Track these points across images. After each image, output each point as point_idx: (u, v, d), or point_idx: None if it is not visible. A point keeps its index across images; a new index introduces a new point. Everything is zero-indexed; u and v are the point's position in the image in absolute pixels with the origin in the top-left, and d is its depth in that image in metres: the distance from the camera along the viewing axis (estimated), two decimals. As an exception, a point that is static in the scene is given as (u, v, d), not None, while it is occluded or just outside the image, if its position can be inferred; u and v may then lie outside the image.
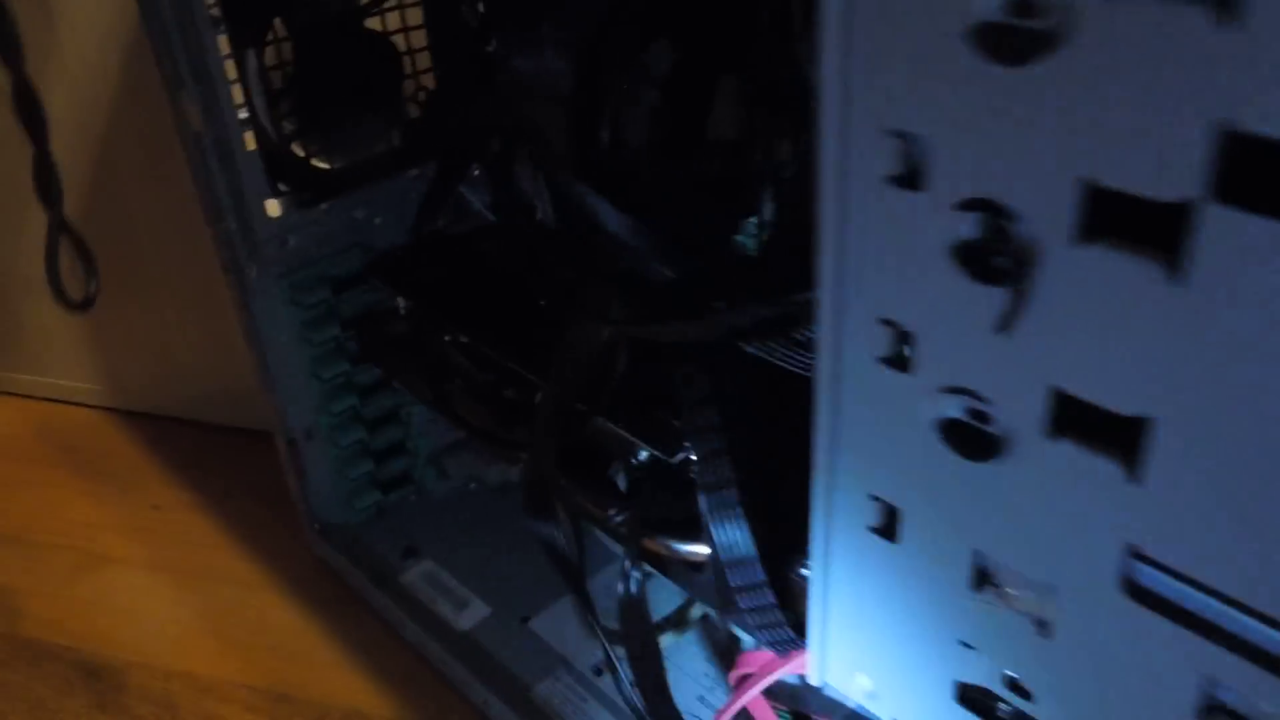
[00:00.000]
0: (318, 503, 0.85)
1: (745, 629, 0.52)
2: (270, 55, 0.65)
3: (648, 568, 0.56)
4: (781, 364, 0.46)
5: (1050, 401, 0.30)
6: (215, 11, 0.60)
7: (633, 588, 0.56)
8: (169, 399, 1.09)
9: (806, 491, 0.40)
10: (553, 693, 0.74)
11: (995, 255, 0.28)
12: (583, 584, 0.63)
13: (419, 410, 0.85)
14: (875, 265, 0.32)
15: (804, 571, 0.46)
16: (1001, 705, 0.38)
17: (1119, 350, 0.27)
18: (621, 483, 0.57)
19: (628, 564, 0.56)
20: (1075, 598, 0.32)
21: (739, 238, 0.47)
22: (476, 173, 0.72)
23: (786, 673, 0.53)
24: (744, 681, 0.57)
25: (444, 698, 0.77)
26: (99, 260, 1.01)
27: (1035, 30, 0.24)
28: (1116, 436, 0.29)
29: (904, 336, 0.33)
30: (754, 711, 0.59)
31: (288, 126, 0.68)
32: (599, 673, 0.75)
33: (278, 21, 0.65)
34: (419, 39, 0.72)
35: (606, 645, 0.63)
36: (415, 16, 0.71)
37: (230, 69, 0.63)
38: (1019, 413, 0.31)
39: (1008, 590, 0.35)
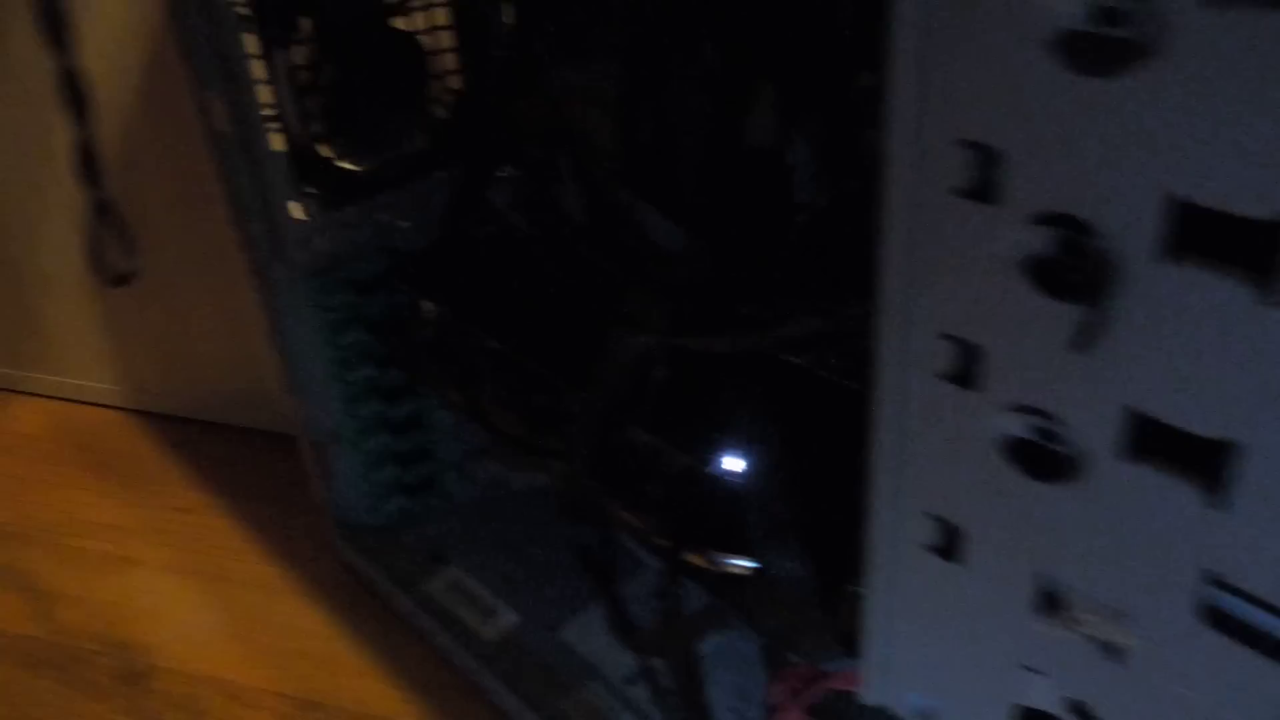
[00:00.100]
0: (343, 507, 0.85)
1: (790, 645, 0.51)
2: (298, 55, 0.64)
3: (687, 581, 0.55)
4: (831, 377, 0.45)
5: (1127, 423, 0.28)
6: (243, 11, 0.59)
7: (673, 601, 0.55)
8: (190, 401, 1.08)
9: (858, 507, 0.39)
10: (584, 703, 0.73)
11: (1071, 271, 0.27)
12: (617, 594, 0.63)
13: (444, 415, 0.84)
14: (940, 279, 0.31)
15: (855, 588, 0.45)
16: (1064, 730, 0.37)
17: (1203, 371, 0.26)
18: (660, 493, 0.56)
19: (666, 577, 0.55)
20: (1150, 623, 0.31)
21: (787, 247, 0.46)
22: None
23: (835, 688, 0.52)
24: (787, 696, 0.56)
25: (474, 707, 0.76)
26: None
27: (1124, 40, 0.23)
28: (1197, 459, 0.28)
29: (968, 352, 0.32)
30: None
31: (315, 127, 0.66)
32: (630, 681, 0.74)
33: (305, 21, 0.64)
34: (446, 39, 0.70)
35: (642, 657, 0.63)
36: (443, 17, 0.69)
37: (258, 69, 0.62)
38: (1092, 433, 0.29)
39: (1076, 614, 0.34)
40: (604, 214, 0.48)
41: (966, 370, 0.32)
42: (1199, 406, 0.26)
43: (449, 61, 0.71)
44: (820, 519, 0.46)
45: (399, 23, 0.69)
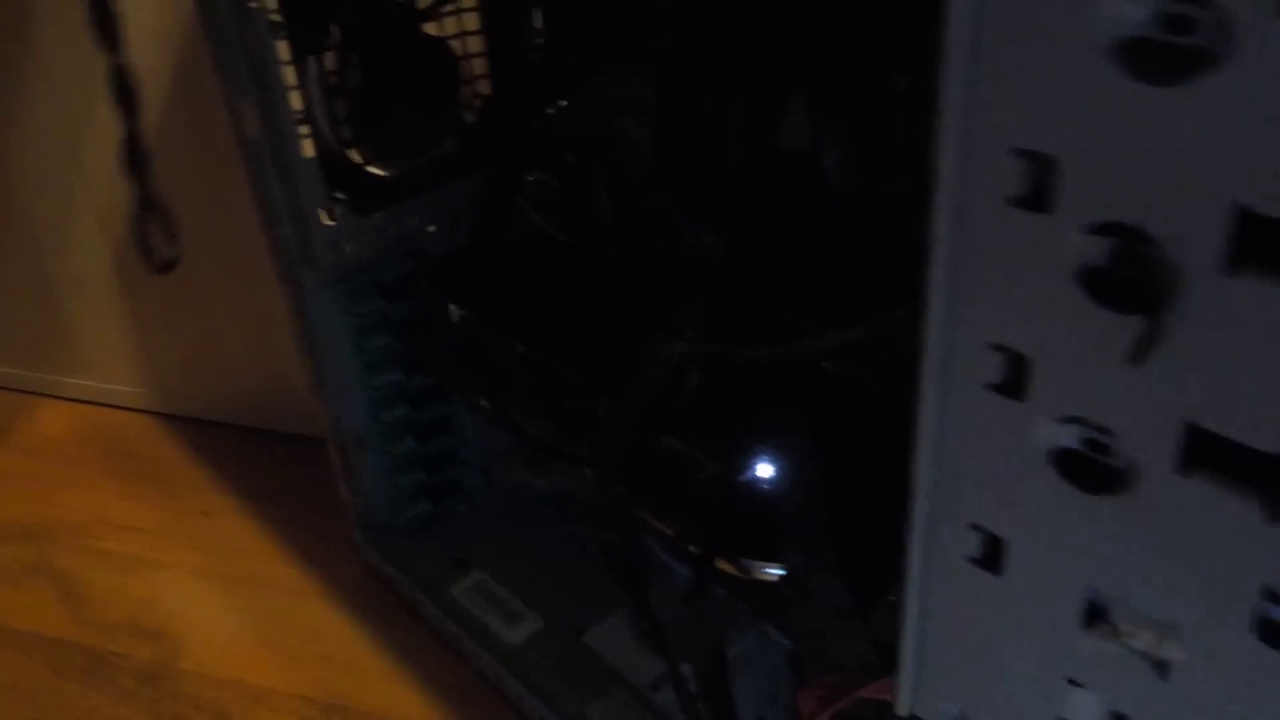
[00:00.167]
0: (368, 510, 0.85)
1: (822, 653, 0.51)
2: (329, 61, 0.64)
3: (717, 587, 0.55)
4: (866, 383, 0.44)
5: (1183, 436, 0.28)
6: (275, 17, 0.59)
7: (701, 606, 0.55)
8: (216, 404, 1.08)
9: (894, 515, 0.39)
10: (609, 708, 0.72)
11: (1128, 282, 0.27)
12: (646, 600, 0.62)
13: (470, 419, 0.84)
14: (990, 289, 0.30)
15: (891, 597, 0.45)
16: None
17: (1265, 385, 0.26)
18: (690, 499, 0.56)
19: (696, 583, 0.55)
20: (1202, 638, 0.31)
21: (826, 254, 0.46)
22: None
23: (865, 697, 0.52)
24: (816, 704, 0.56)
25: (498, 711, 0.76)
26: (145, 267, 1.01)
27: (1190, 47, 0.23)
28: (1256, 473, 0.27)
29: (1017, 363, 0.31)
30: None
31: (345, 132, 0.67)
32: (656, 688, 0.74)
33: (336, 27, 0.64)
34: (475, 45, 0.70)
35: (672, 663, 0.62)
36: (473, 22, 0.69)
37: (289, 75, 0.62)
38: (1147, 446, 0.29)
39: (1123, 628, 0.33)
40: (639, 219, 0.48)
41: (1015, 381, 0.32)
42: (1260, 420, 0.26)
43: (478, 66, 0.71)
44: (856, 526, 0.46)
45: (429, 28, 0.69)
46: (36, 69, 0.93)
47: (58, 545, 0.95)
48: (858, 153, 0.44)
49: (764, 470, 0.51)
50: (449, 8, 0.67)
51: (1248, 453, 0.27)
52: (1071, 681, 0.36)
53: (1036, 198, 0.28)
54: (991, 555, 0.36)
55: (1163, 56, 0.23)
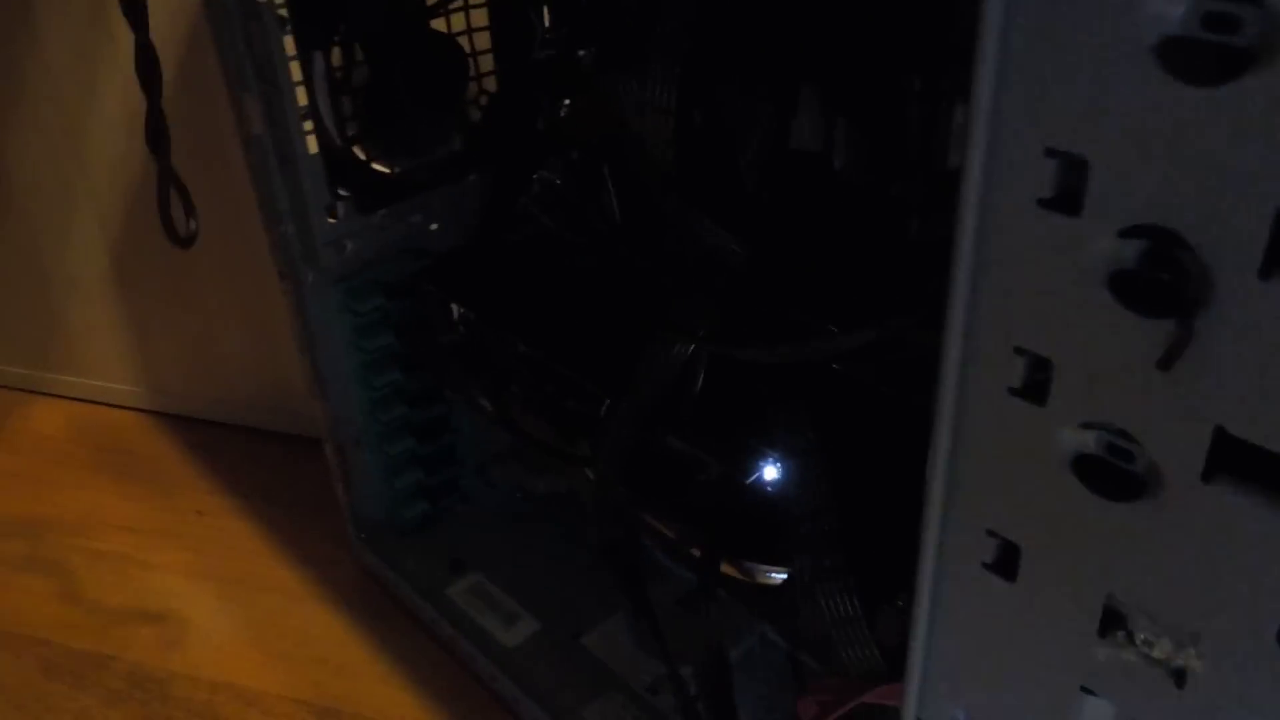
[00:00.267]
0: (364, 511, 0.84)
1: (827, 658, 0.50)
2: (335, 57, 0.64)
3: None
4: (876, 385, 0.44)
5: (1211, 442, 0.28)
6: (282, 12, 0.59)
7: (704, 609, 0.54)
8: (211, 402, 1.07)
9: (903, 519, 0.39)
10: (606, 711, 0.72)
11: (1159, 285, 0.26)
12: (646, 600, 0.62)
13: (468, 419, 0.83)
14: (1015, 290, 0.30)
15: (899, 602, 0.44)
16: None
17: (1297, 391, 0.25)
18: (695, 501, 0.55)
19: (699, 586, 0.54)
20: (1224, 648, 0.30)
21: (843, 255, 0.46)
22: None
23: (868, 703, 0.51)
24: (817, 709, 0.55)
25: (494, 714, 0.75)
26: (142, 264, 1.00)
27: (1233, 47, 0.23)
28: (1282, 480, 0.27)
29: (1041, 367, 0.31)
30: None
31: (350, 129, 0.66)
32: (654, 690, 0.73)
33: (343, 23, 0.63)
34: (481, 41, 0.70)
35: (671, 665, 0.62)
36: (481, 18, 0.69)
37: (294, 71, 0.61)
38: (1172, 452, 0.29)
39: (1142, 636, 0.33)
40: (647, 218, 0.47)
41: (1037, 385, 0.31)
42: (1291, 427, 0.26)
43: (485, 63, 0.71)
44: (864, 531, 0.46)
45: (437, 24, 0.68)
46: (36, 66, 0.92)
47: (50, 544, 0.94)
48: (874, 153, 0.44)
49: (770, 472, 0.51)
50: (456, 4, 0.67)
51: (1275, 459, 0.27)
52: (1085, 689, 0.36)
53: (1066, 199, 0.27)
54: (1006, 561, 0.36)
55: (1205, 56, 0.23)
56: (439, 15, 0.67)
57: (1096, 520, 0.32)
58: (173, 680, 0.80)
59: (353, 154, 0.67)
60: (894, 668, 0.45)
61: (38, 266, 1.05)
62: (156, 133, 0.58)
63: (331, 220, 0.68)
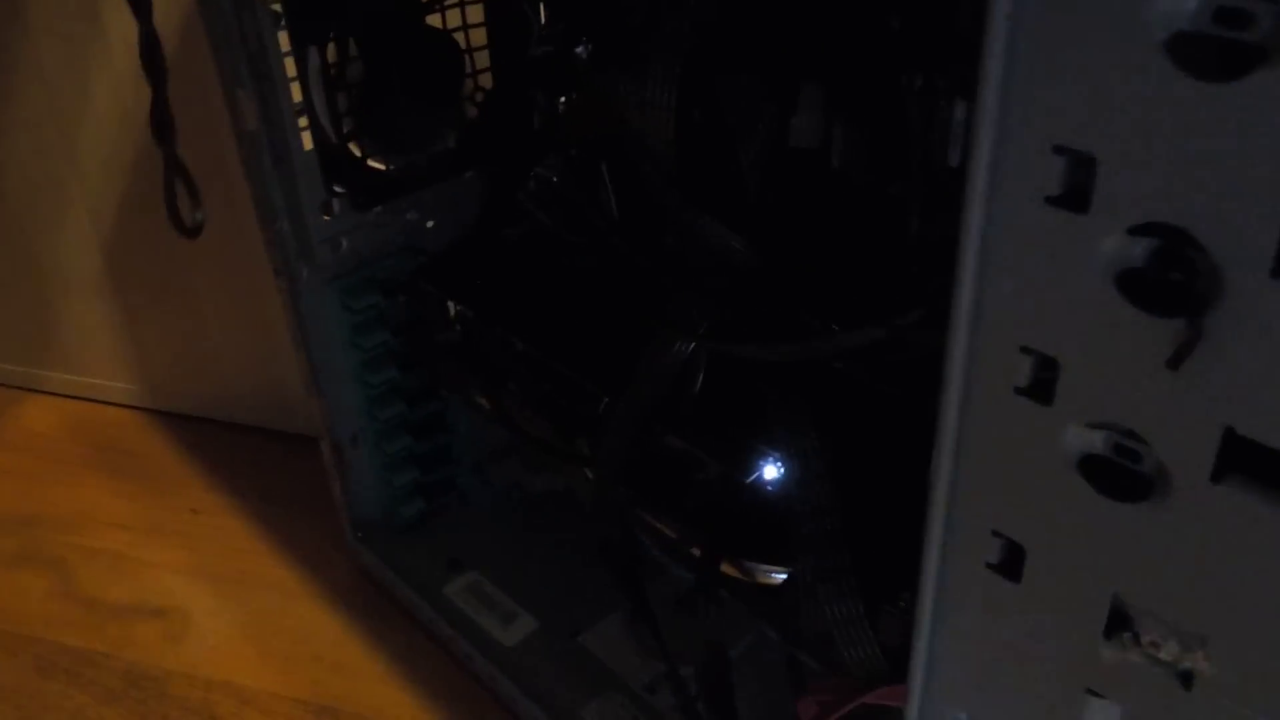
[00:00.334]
0: (361, 509, 0.84)
1: (828, 659, 0.50)
2: (331, 53, 0.63)
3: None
4: (878, 384, 0.44)
5: (1220, 443, 0.27)
6: (276, 7, 0.58)
7: (706, 611, 0.54)
8: (206, 400, 1.07)
9: (906, 519, 0.38)
10: (605, 710, 0.72)
11: (1169, 284, 0.26)
12: (645, 599, 0.62)
13: (465, 417, 0.83)
14: (1022, 289, 0.30)
15: (901, 603, 0.44)
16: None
17: (1308, 391, 0.25)
18: (694, 501, 0.55)
19: (699, 586, 0.54)
20: (1232, 651, 0.30)
21: (846, 253, 0.45)
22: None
23: (869, 703, 0.51)
24: (817, 710, 0.55)
25: (492, 714, 0.75)
26: (136, 261, 1.00)
27: (1245, 43, 0.22)
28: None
29: (1048, 366, 0.31)
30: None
31: (345, 125, 0.66)
32: (652, 690, 0.73)
33: (339, 18, 0.63)
34: (477, 37, 0.69)
35: (670, 663, 0.62)
36: (477, 14, 0.69)
37: (289, 66, 0.61)
38: (1181, 453, 0.28)
39: (1148, 638, 0.33)
40: (650, 216, 0.47)
41: (1043, 385, 0.31)
42: (1301, 427, 0.25)
43: (481, 60, 0.70)
44: (866, 531, 0.46)
45: (433, 20, 0.68)
46: (28, 62, 0.91)
47: (45, 542, 0.94)
48: (874, 150, 0.43)
49: (770, 472, 0.50)
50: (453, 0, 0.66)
51: (1285, 460, 0.26)
52: (1090, 691, 0.35)
53: (1074, 196, 0.27)
54: (1011, 562, 0.36)
55: (1216, 52, 0.22)
56: (435, 10, 0.67)
57: (1103, 521, 0.31)
58: (169, 678, 0.80)
59: (348, 151, 0.66)
60: (896, 669, 0.45)
61: (30, 263, 1.04)
62: (162, 123, 0.58)
63: (327, 217, 0.68)
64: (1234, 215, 0.24)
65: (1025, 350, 0.31)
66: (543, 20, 0.65)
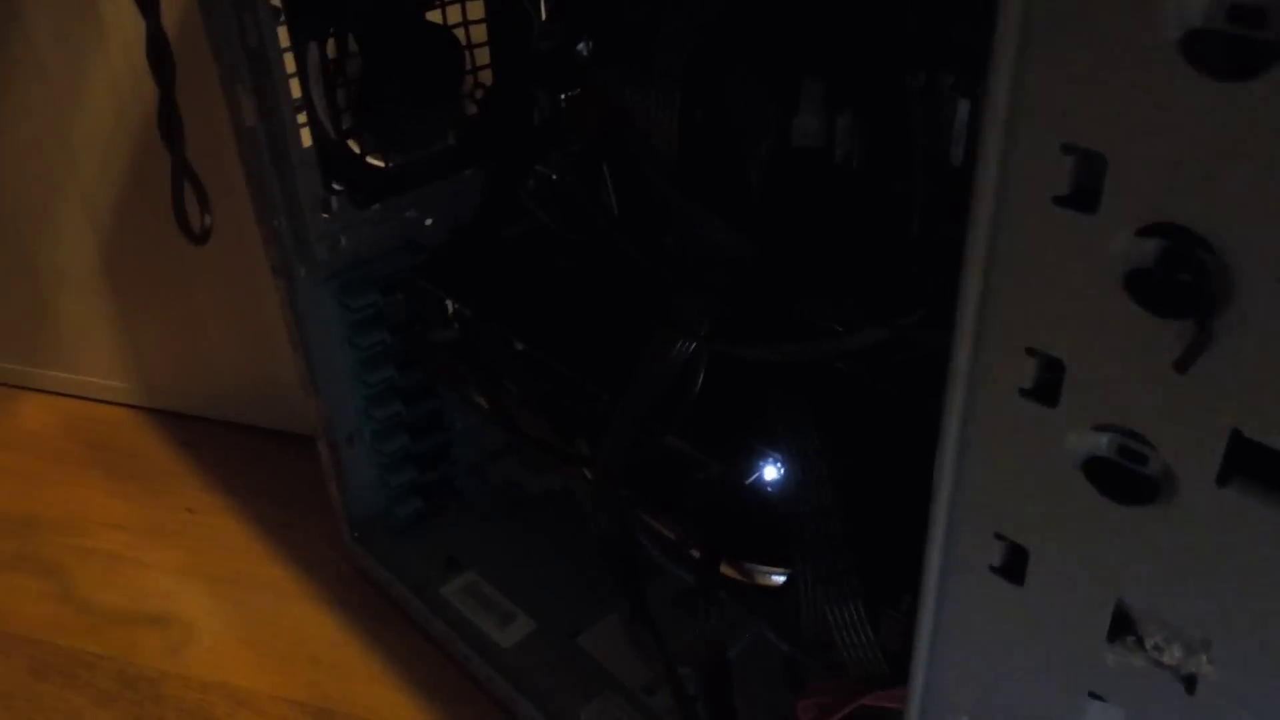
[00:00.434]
0: (358, 509, 0.83)
1: (828, 661, 0.50)
2: (330, 49, 0.63)
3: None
4: (880, 384, 0.44)
5: (1227, 445, 0.27)
6: (276, 3, 0.58)
7: (705, 612, 0.54)
8: (203, 399, 1.07)
9: (908, 520, 0.38)
10: (603, 711, 0.71)
11: (1178, 285, 0.26)
12: (644, 599, 0.61)
13: (462, 416, 0.82)
14: (1028, 290, 0.29)
15: (903, 605, 0.44)
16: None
17: (1317, 393, 0.25)
18: (694, 501, 0.55)
19: (698, 587, 0.54)
20: (1236, 655, 0.30)
21: (850, 252, 0.45)
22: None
23: (869, 705, 0.51)
24: (816, 712, 0.55)
25: (490, 715, 0.75)
26: (132, 258, 0.99)
27: (1259, 41, 0.22)
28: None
29: (1053, 368, 0.30)
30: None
31: (345, 122, 0.65)
32: (650, 691, 0.73)
33: (339, 14, 0.62)
34: (478, 34, 0.69)
35: (668, 663, 0.61)
36: (477, 10, 0.68)
37: (288, 63, 0.61)
38: (1185, 455, 0.28)
39: (1152, 642, 0.32)
40: (651, 215, 0.47)
41: (1048, 386, 0.31)
42: (1310, 429, 0.25)
43: (481, 56, 0.70)
44: (868, 533, 0.45)
45: (433, 16, 0.67)
46: (26, 59, 0.91)
47: (39, 542, 0.93)
48: (877, 149, 0.43)
49: (771, 473, 0.50)
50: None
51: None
52: (1093, 694, 0.35)
53: (1083, 196, 0.27)
54: (1014, 564, 0.35)
55: (1229, 50, 0.22)
56: (435, 7, 0.66)
57: (1107, 524, 0.31)
58: (164, 680, 0.80)
59: (347, 148, 0.66)
60: (897, 671, 0.45)
61: (26, 261, 1.04)
62: (170, 125, 0.57)
63: (325, 215, 0.67)
64: (1246, 216, 0.24)
65: (1030, 351, 0.31)
66: (543, 16, 0.65)
